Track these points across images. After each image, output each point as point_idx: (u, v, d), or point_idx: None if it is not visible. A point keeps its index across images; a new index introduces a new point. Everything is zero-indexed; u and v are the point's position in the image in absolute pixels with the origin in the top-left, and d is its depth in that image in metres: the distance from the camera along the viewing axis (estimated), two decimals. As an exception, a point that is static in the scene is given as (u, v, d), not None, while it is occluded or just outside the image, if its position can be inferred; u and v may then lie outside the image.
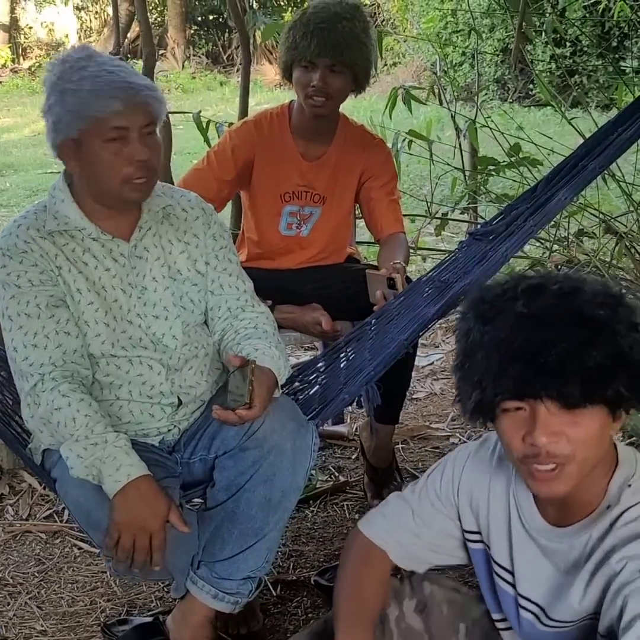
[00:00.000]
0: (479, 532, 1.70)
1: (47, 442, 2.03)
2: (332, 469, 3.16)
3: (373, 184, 2.86)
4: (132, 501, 1.85)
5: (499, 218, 2.40)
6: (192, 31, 18.82)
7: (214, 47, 18.99)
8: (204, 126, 3.63)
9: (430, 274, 2.43)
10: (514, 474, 1.62)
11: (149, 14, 3.75)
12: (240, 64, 18.13)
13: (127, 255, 2.07)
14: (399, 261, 2.58)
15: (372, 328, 2.36)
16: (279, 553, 2.56)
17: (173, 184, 3.18)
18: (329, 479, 3.10)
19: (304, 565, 2.61)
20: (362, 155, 2.87)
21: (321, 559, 2.63)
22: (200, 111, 3.63)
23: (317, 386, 2.31)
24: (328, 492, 2.98)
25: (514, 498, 1.63)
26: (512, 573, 1.64)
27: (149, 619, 2.34)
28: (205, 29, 19.24)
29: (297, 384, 2.34)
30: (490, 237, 2.35)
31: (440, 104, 4.38)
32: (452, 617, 1.74)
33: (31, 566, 2.67)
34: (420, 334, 2.29)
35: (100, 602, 2.48)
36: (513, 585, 1.64)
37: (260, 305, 2.22)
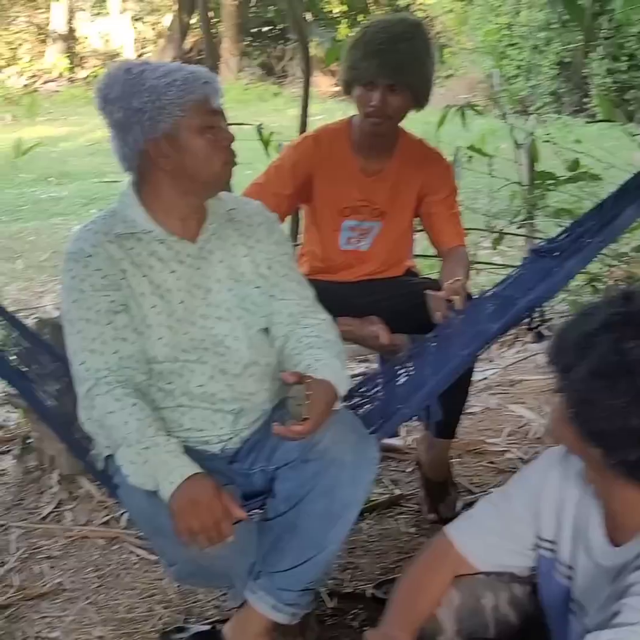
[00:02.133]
0: (553, 541, 1.72)
1: (104, 445, 2.06)
2: (387, 482, 3.16)
3: (433, 198, 2.86)
4: (186, 492, 1.84)
5: (564, 235, 2.38)
6: (246, 42, 18.97)
7: (268, 59, 19.13)
8: (263, 138, 3.66)
9: (493, 290, 2.43)
10: (586, 491, 1.64)
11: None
12: (294, 75, 18.26)
13: (193, 256, 2.10)
14: (459, 278, 2.58)
15: (433, 344, 2.36)
16: (335, 565, 2.57)
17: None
18: (384, 491, 3.09)
19: (359, 578, 2.61)
20: (422, 170, 2.87)
21: (377, 572, 2.63)
22: (262, 124, 3.66)
23: (377, 401, 2.32)
24: (383, 505, 2.99)
25: (584, 514, 1.65)
26: (571, 578, 1.68)
27: (207, 627, 2.36)
28: (260, 40, 19.39)
29: (357, 398, 2.35)
30: (555, 254, 2.33)
31: (504, 117, 4.37)
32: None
33: (89, 572, 2.71)
34: (483, 350, 2.29)
35: (157, 610, 2.51)
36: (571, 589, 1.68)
37: (323, 312, 2.22)
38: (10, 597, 2.57)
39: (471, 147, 4.13)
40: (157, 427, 1.94)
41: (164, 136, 2.00)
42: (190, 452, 2.02)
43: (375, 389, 2.36)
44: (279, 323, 2.18)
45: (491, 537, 1.78)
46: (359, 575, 2.63)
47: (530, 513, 1.75)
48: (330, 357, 2.07)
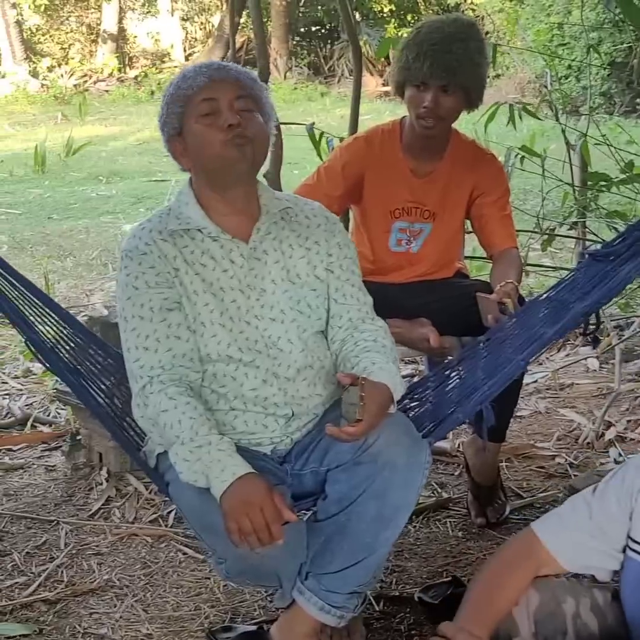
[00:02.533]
0: None
1: (157, 442, 2.08)
2: (435, 485, 3.14)
3: (485, 200, 2.84)
4: (238, 491, 1.85)
5: (620, 239, 2.34)
6: (294, 42, 19.04)
7: (316, 58, 19.17)
8: (317, 138, 3.66)
9: (546, 293, 2.40)
10: None
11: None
12: (341, 75, 18.29)
13: (246, 256, 2.11)
14: (511, 281, 2.55)
15: (485, 347, 2.34)
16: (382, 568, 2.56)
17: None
18: (432, 494, 3.08)
19: (406, 581, 2.60)
20: (474, 171, 2.85)
21: (424, 576, 2.62)
22: (313, 123, 3.66)
23: (428, 404, 2.31)
24: (431, 508, 2.97)
25: None
26: None
27: (253, 628, 2.36)
28: (308, 40, 19.43)
29: (407, 401, 2.34)
30: (611, 258, 2.29)
31: (557, 118, 4.32)
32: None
33: (137, 569, 2.72)
34: (538, 354, 2.26)
35: (204, 608, 2.51)
36: None
37: (380, 320, 2.22)
38: (59, 592, 2.59)
39: (523, 148, 4.08)
40: (210, 425, 1.95)
41: (177, 134, 2.08)
42: (242, 451, 2.03)
43: (426, 392, 2.34)
44: (337, 327, 2.18)
45: (581, 536, 1.74)
46: (405, 579, 2.61)
47: (624, 512, 1.71)
48: (386, 361, 2.07)
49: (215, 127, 2.02)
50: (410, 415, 2.29)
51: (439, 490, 3.12)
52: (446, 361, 2.92)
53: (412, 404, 2.33)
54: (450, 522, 2.92)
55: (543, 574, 1.76)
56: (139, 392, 2.02)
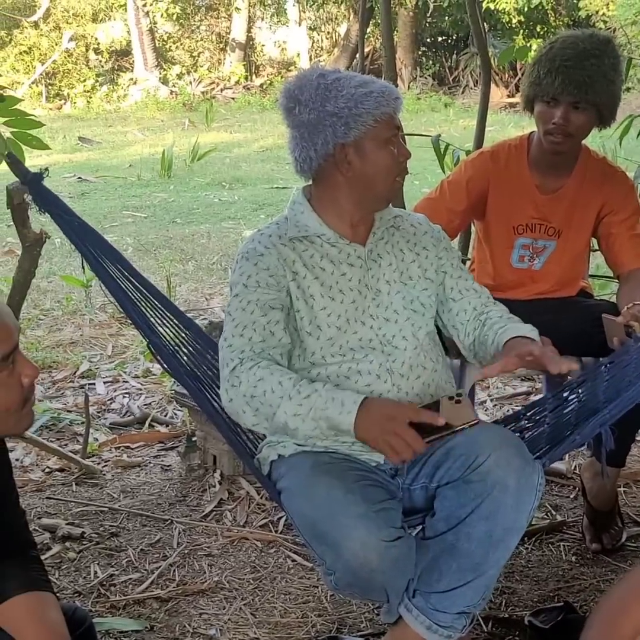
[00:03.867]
0: None
1: (251, 423, 2.03)
2: (549, 507, 3.07)
3: (613, 219, 2.77)
4: (368, 415, 1.88)
5: None
6: (420, 52, 19.02)
7: (441, 68, 19.10)
8: (442, 150, 3.64)
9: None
10: None
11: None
12: (466, 85, 18.14)
13: (364, 258, 2.16)
14: (639, 303, 2.49)
15: (608, 370, 2.28)
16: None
17: (404, 204, 3.23)
18: (546, 517, 3.01)
19: (516, 604, 2.55)
20: (603, 189, 2.79)
21: (535, 599, 2.56)
22: (439, 135, 3.64)
23: (545, 425, 2.26)
24: (544, 531, 2.90)
25: None
26: None
27: (360, 640, 2.36)
28: (434, 50, 19.38)
29: (524, 422, 2.30)
30: None
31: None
32: None
33: (247, 573, 2.75)
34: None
35: (311, 617, 2.52)
36: None
37: (500, 304, 2.30)
38: (170, 590, 2.65)
39: (656, 164, 3.97)
40: (309, 380, 1.98)
41: (354, 143, 2.05)
42: (353, 463, 2.03)
43: (543, 414, 2.30)
44: (465, 321, 2.25)
45: None
46: (515, 601, 2.57)
47: None
48: (519, 326, 2.17)
49: (396, 160, 2.09)
50: (526, 436, 2.25)
51: (553, 512, 3.05)
52: (565, 381, 2.86)
53: (528, 425, 2.29)
54: (563, 545, 2.85)
55: None
56: (228, 376, 2.02)
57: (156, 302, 2.42)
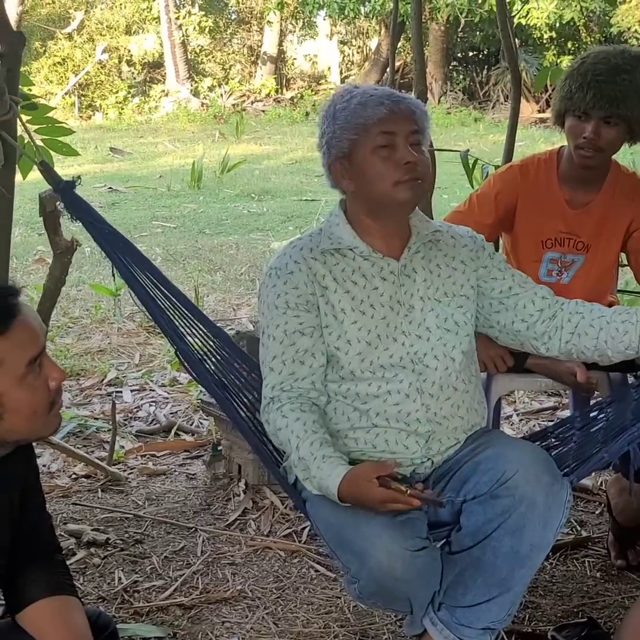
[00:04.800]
0: None
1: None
2: (574, 522, 3.05)
3: (643, 234, 2.76)
4: (349, 498, 1.92)
5: None
6: (450, 67, 19.05)
7: (471, 83, 19.11)
8: (471, 165, 3.65)
9: None
10: None
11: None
12: (497, 100, 18.11)
13: (397, 273, 2.13)
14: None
15: (637, 390, 2.27)
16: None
17: (432, 217, 3.23)
18: (571, 532, 2.99)
19: (540, 618, 2.54)
20: (632, 204, 2.77)
21: (558, 614, 2.55)
22: (468, 150, 3.65)
23: (573, 443, 2.25)
24: (569, 546, 2.89)
25: None
26: None
27: (382, 652, 2.36)
28: (464, 65, 19.40)
29: (551, 439, 2.29)
30: None
31: None
32: None
33: (270, 582, 2.75)
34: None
35: (333, 627, 2.52)
36: None
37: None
38: (194, 598, 2.65)
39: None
40: (313, 439, 1.99)
41: (344, 157, 2.07)
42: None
43: (571, 432, 2.29)
44: (537, 313, 2.20)
45: None
46: (539, 616, 2.55)
47: None
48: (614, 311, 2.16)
49: (391, 162, 2.03)
50: (553, 453, 2.23)
51: (578, 527, 3.03)
52: (592, 397, 2.85)
53: (556, 442, 2.28)
54: (588, 561, 2.83)
55: None
56: (262, 411, 2.12)
57: (185, 311, 2.43)
